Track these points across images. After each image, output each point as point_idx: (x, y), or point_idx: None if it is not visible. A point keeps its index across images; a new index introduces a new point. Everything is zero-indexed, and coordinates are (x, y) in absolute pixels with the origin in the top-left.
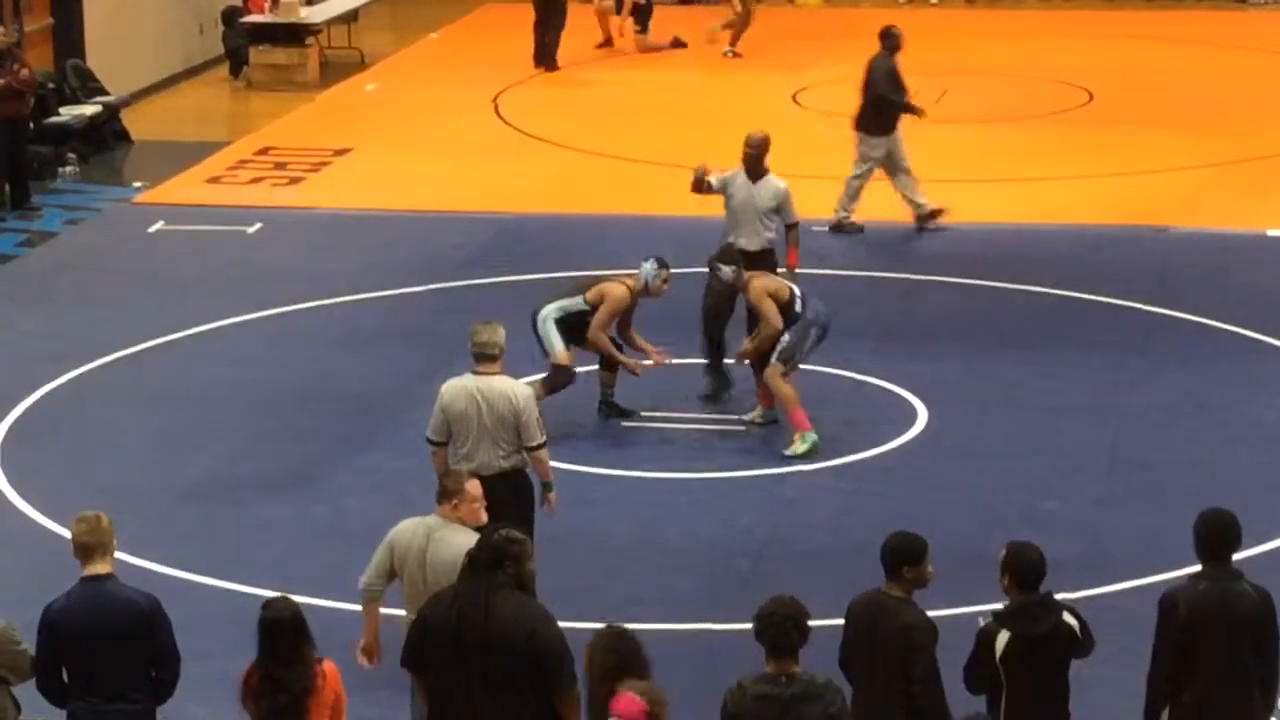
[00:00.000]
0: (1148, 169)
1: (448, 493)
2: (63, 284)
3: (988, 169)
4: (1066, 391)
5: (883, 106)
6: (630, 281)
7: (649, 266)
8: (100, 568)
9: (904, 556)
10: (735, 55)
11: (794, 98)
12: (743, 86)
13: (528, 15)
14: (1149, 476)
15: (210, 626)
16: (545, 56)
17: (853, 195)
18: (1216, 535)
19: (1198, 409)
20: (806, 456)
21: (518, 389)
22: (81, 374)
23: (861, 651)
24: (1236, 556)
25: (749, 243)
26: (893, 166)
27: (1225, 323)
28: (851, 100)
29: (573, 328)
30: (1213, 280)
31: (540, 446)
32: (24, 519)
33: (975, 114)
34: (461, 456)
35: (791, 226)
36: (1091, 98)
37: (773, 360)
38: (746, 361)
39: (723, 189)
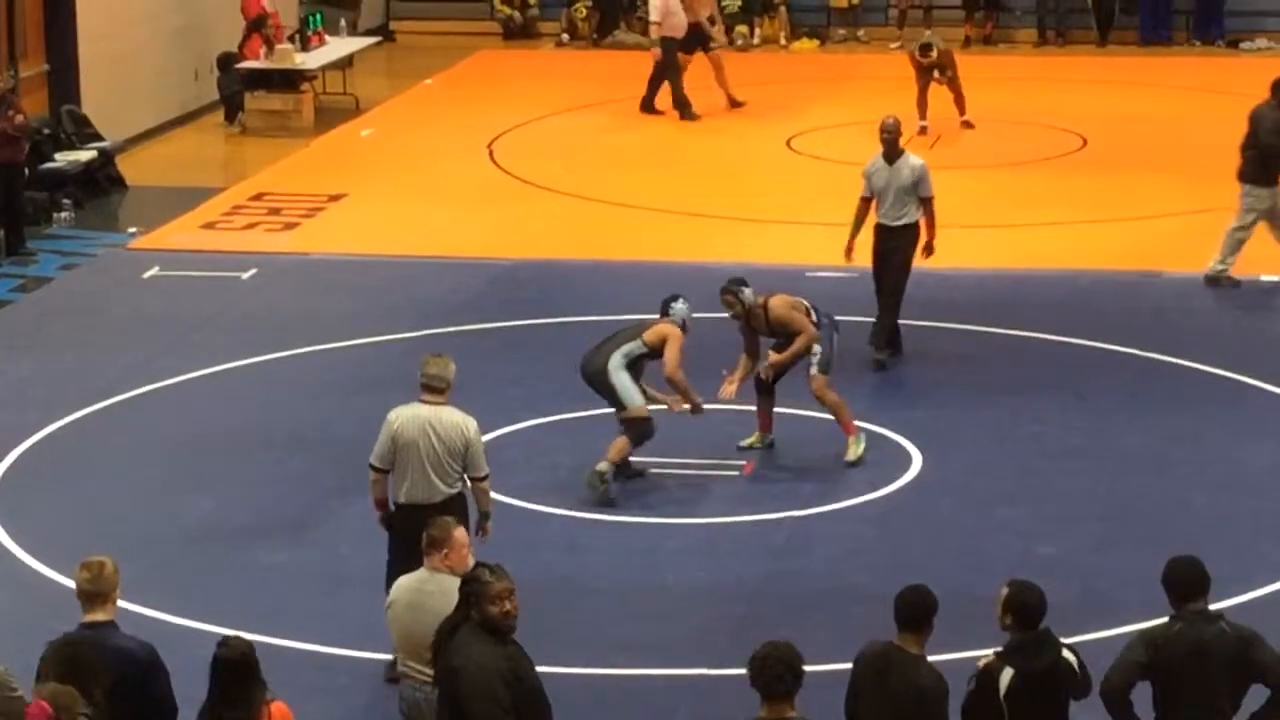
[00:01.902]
0: (1141, 215)
1: (436, 542)
2: (57, 329)
3: (981, 214)
4: (1060, 436)
5: (1270, 157)
6: (674, 322)
7: (682, 307)
8: (99, 615)
9: (927, 610)
10: (737, 104)
11: (789, 143)
12: (737, 132)
13: (523, 60)
14: (1143, 520)
15: (205, 673)
16: (680, 104)
17: (1233, 248)
18: (1183, 580)
19: (1191, 453)
20: (863, 458)
21: (468, 421)
22: (76, 419)
23: (871, 703)
24: (1231, 601)
25: (892, 219)
26: (1275, 218)
27: (1218, 367)
28: (848, 145)
29: (633, 373)
30: (1205, 325)
31: (486, 478)
32: (19, 564)
33: (968, 159)
34: (405, 488)
35: (926, 201)
36: (1085, 143)
37: (814, 373)
38: (764, 376)
39: (867, 178)
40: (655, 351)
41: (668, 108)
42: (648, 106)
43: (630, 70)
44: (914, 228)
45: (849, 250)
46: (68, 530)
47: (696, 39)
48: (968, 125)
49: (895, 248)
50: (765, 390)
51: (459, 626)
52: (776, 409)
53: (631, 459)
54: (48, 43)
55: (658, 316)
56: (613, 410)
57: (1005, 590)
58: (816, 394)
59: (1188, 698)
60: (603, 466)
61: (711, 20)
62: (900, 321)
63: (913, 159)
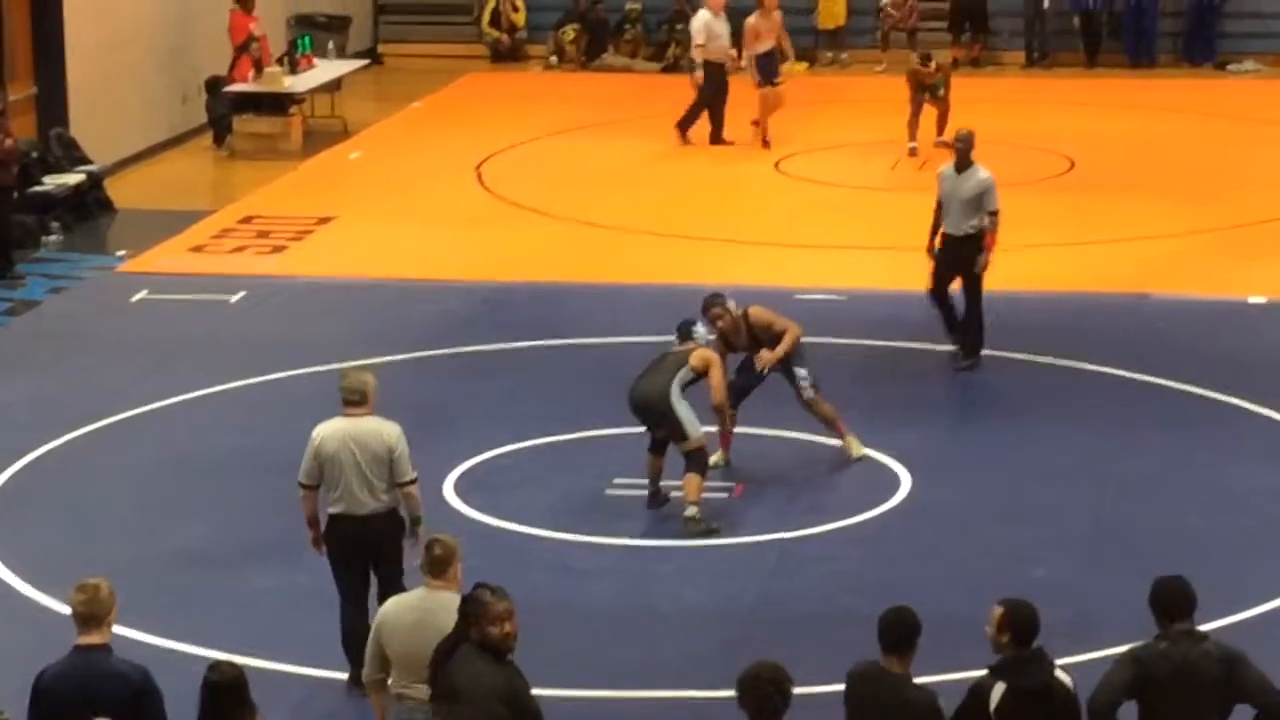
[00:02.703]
0: (1129, 236)
1: (440, 562)
2: (46, 353)
3: None
4: (1050, 458)
5: None
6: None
7: (703, 329)
8: (94, 638)
9: (911, 630)
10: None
11: (777, 165)
12: (726, 154)
13: (511, 83)
14: (1133, 543)
15: (195, 696)
16: (685, 124)
17: None
18: (1170, 600)
19: (1180, 475)
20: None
21: (388, 427)
22: (65, 443)
23: None
24: (1221, 622)
25: (954, 229)
26: None
27: (1207, 389)
28: (836, 167)
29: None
30: (1194, 347)
31: (412, 482)
32: (6, 588)
33: None
34: (335, 499)
35: (992, 214)
36: (1073, 165)
37: (810, 396)
38: (761, 369)
39: (939, 185)
40: (699, 376)
41: (736, 136)
42: (715, 138)
43: (619, 93)
44: (979, 238)
45: (931, 248)
46: (57, 553)
47: (770, 68)
48: (945, 145)
49: (963, 257)
50: (728, 413)
51: (457, 646)
52: (766, 432)
53: (662, 483)
54: (36, 66)
55: (675, 340)
56: (599, 431)
57: (999, 609)
58: (815, 412)
59: (1173, 717)
60: (691, 512)
61: (783, 55)
62: (889, 344)
63: (981, 172)
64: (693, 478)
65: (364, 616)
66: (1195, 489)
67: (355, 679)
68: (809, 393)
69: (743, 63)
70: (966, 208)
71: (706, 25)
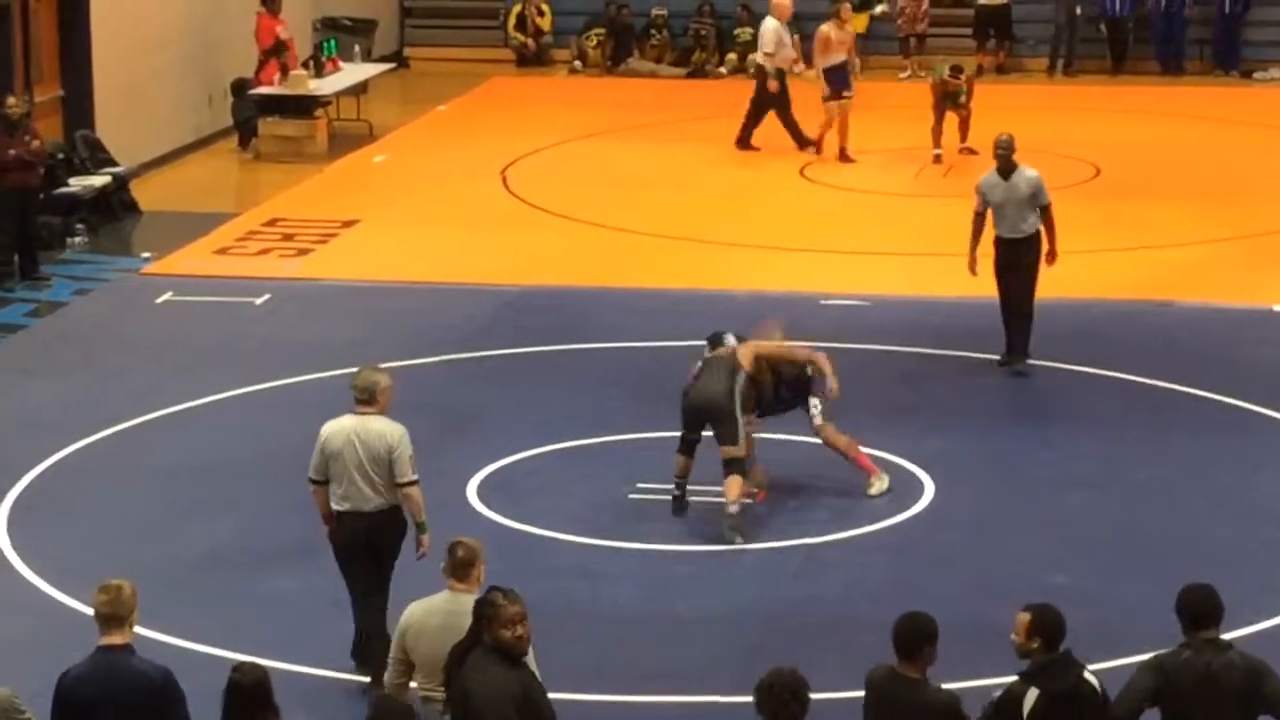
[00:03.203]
0: (1153, 244)
1: (463, 564)
2: (71, 354)
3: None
4: (1072, 465)
5: None
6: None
7: (732, 338)
8: (117, 638)
9: (925, 636)
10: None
11: (802, 171)
12: (750, 160)
13: (536, 87)
14: (1155, 550)
15: (218, 698)
16: (797, 136)
17: None
18: (1196, 608)
19: (1203, 483)
20: (887, 491)
21: (393, 427)
22: (89, 444)
23: None
24: (1243, 631)
25: (1011, 233)
26: None
27: (1231, 397)
28: (860, 173)
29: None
30: (1218, 355)
31: (411, 484)
32: (31, 589)
33: None
34: (340, 495)
35: (1045, 209)
36: (1098, 172)
37: (820, 423)
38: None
39: (983, 196)
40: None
41: (763, 143)
42: (743, 143)
43: (644, 98)
44: (1036, 238)
45: (972, 264)
46: (80, 555)
47: (840, 80)
48: (969, 152)
49: (1020, 260)
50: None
51: (471, 649)
52: (788, 437)
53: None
54: (62, 68)
55: (706, 349)
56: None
57: (1026, 615)
58: (826, 441)
59: None
60: (734, 509)
61: (851, 68)
62: (913, 350)
63: (1027, 171)
64: (737, 480)
65: (378, 615)
66: (1218, 497)
67: (376, 682)
68: (817, 419)
69: (812, 73)
70: (1023, 209)
71: (777, 32)
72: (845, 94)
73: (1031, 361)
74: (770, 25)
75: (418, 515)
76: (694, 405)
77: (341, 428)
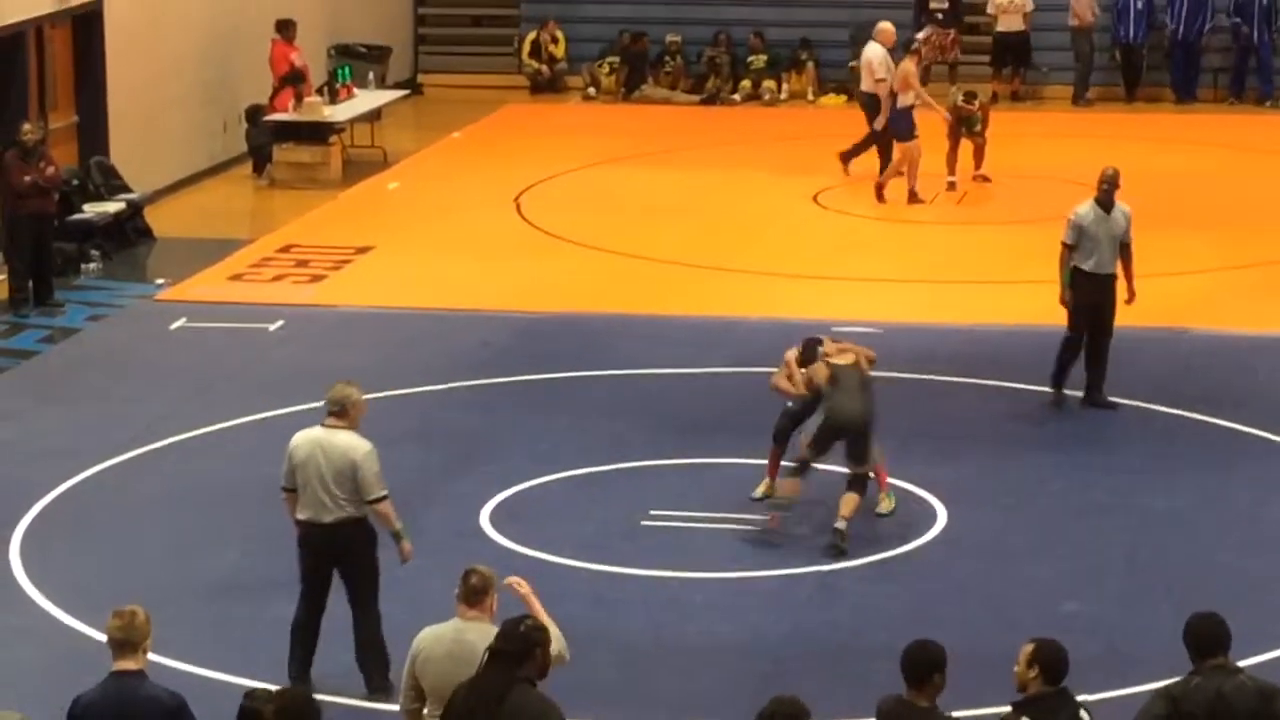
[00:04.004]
0: (1168, 271)
1: (476, 592)
2: (84, 380)
3: (1007, 270)
4: (1085, 492)
5: None
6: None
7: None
8: (130, 664)
9: (933, 664)
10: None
11: (815, 198)
12: (764, 187)
13: (550, 114)
14: (1168, 578)
15: None
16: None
17: None
18: (1204, 636)
19: (1215, 511)
20: (894, 512)
21: (358, 443)
22: (102, 470)
23: None
24: (1255, 659)
25: (1108, 268)
26: None
27: (1246, 425)
28: (874, 200)
29: None
30: (1233, 382)
31: (379, 500)
32: (43, 615)
33: (994, 215)
34: (302, 504)
35: (1128, 247)
36: None
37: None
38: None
39: (1078, 226)
40: None
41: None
42: (846, 158)
43: (658, 125)
44: (1116, 276)
45: (1066, 299)
46: (93, 581)
47: (904, 123)
48: (984, 179)
49: (1108, 297)
50: (781, 439)
51: (511, 686)
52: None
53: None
54: (77, 94)
55: (799, 358)
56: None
57: (1029, 645)
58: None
59: None
60: (842, 525)
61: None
62: (925, 377)
63: (1124, 206)
64: (856, 499)
65: (315, 615)
66: (1231, 525)
67: (293, 670)
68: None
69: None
70: (1116, 245)
71: (885, 59)
72: (916, 134)
73: (1045, 389)
74: (878, 51)
75: (391, 527)
76: (839, 424)
77: (308, 438)
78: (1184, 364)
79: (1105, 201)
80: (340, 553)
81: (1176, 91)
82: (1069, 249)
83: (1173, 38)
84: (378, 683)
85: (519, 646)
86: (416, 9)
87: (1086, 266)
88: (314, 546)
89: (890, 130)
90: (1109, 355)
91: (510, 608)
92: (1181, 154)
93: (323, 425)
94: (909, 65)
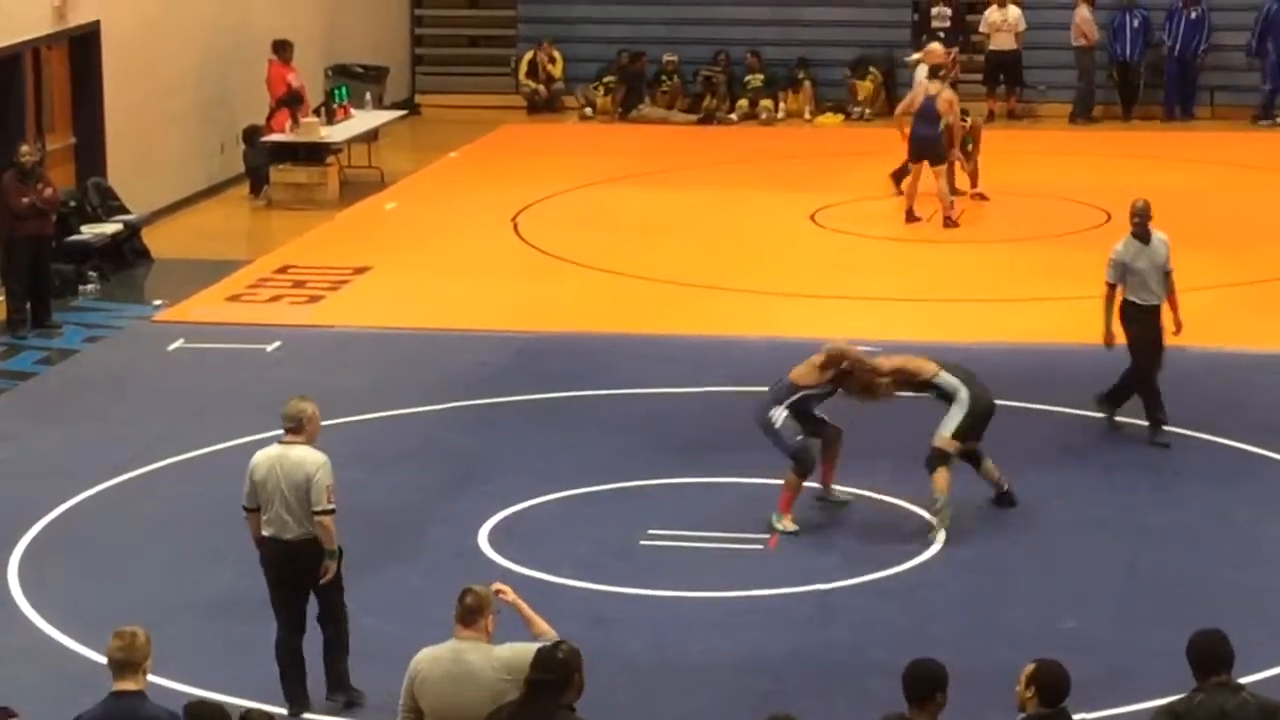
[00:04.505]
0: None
1: (473, 611)
2: (82, 401)
3: (1007, 288)
4: (1085, 510)
5: None
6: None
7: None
8: (130, 684)
9: (935, 682)
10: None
11: (813, 217)
12: (761, 206)
13: (547, 134)
14: (1168, 596)
15: None
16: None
17: None
18: (1207, 653)
19: (1217, 528)
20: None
21: (314, 456)
22: (100, 491)
23: None
24: (1257, 676)
25: (1155, 298)
26: None
27: (1245, 443)
28: (872, 219)
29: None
30: (1233, 400)
31: (325, 513)
32: (42, 636)
33: (993, 234)
34: (265, 521)
35: (1169, 274)
36: (1109, 218)
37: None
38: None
39: (1119, 263)
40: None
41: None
42: (972, 186)
43: (655, 144)
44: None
45: (1111, 338)
46: (91, 601)
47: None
48: (981, 197)
49: (1159, 327)
50: (831, 442)
51: (555, 715)
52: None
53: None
54: (74, 116)
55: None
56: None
57: (1030, 666)
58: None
59: None
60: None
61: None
62: (924, 396)
63: (1161, 234)
64: (946, 472)
65: (296, 635)
66: (1232, 543)
67: (288, 691)
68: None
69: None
70: (1160, 274)
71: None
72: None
73: (1045, 407)
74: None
75: (329, 544)
76: (989, 408)
77: (267, 456)
78: (1183, 382)
79: (1140, 234)
80: (304, 568)
81: (1172, 110)
82: (1112, 288)
83: (1169, 56)
84: (341, 697)
85: (562, 675)
86: (414, 29)
87: (1140, 300)
88: (278, 563)
89: (929, 150)
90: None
91: (508, 627)
92: (1178, 171)
93: (280, 443)
94: (949, 90)
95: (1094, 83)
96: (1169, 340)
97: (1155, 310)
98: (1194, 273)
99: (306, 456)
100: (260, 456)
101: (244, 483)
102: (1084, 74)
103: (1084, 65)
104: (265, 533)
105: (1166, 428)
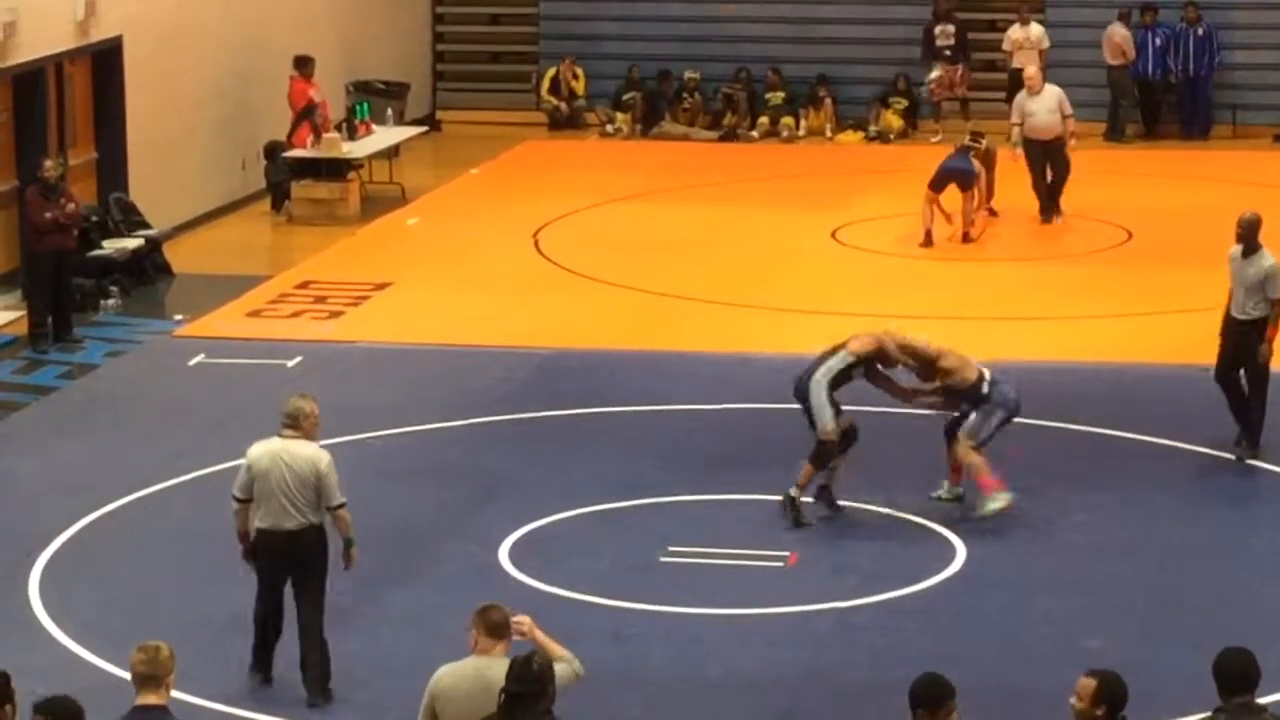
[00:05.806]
0: (1187, 308)
1: (496, 628)
2: (103, 416)
3: (1027, 307)
4: (1106, 529)
5: None
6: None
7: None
8: (153, 699)
9: (943, 694)
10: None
11: (833, 234)
12: (782, 223)
13: (569, 150)
14: (1190, 615)
15: None
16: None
17: None
18: (1232, 672)
19: (1237, 548)
20: (1000, 513)
21: (319, 453)
22: (121, 506)
23: None
24: (1277, 697)
25: (1238, 312)
26: None
27: (1267, 463)
28: (893, 236)
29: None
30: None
31: (341, 506)
32: (62, 650)
33: (1014, 252)
34: (261, 514)
35: (1273, 303)
36: (1130, 236)
37: (963, 437)
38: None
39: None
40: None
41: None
42: (1045, 213)
43: (676, 161)
44: (1263, 322)
45: (1225, 330)
46: (111, 616)
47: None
48: (991, 213)
49: (1243, 343)
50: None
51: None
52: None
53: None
54: (97, 131)
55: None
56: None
57: (1092, 681)
58: (961, 451)
59: None
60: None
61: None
62: (944, 413)
63: (1267, 258)
64: (805, 465)
65: (276, 610)
66: (1253, 562)
67: (257, 659)
68: (962, 433)
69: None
70: (1250, 292)
71: (1019, 104)
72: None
73: (1066, 426)
74: (1017, 97)
75: (347, 533)
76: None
77: (268, 449)
78: (1204, 401)
79: (1245, 245)
80: (299, 558)
81: (1187, 129)
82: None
83: (1182, 76)
84: (318, 693)
85: (538, 687)
86: (435, 45)
87: (1230, 308)
88: (273, 553)
89: (960, 180)
90: (1264, 405)
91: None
92: (1199, 190)
93: (280, 436)
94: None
95: (1132, 101)
96: (1200, 359)
97: (1241, 325)
98: (1211, 292)
99: (313, 454)
100: (260, 449)
101: (239, 475)
102: (1123, 93)
103: (1120, 84)
104: (262, 524)
105: (1251, 448)
